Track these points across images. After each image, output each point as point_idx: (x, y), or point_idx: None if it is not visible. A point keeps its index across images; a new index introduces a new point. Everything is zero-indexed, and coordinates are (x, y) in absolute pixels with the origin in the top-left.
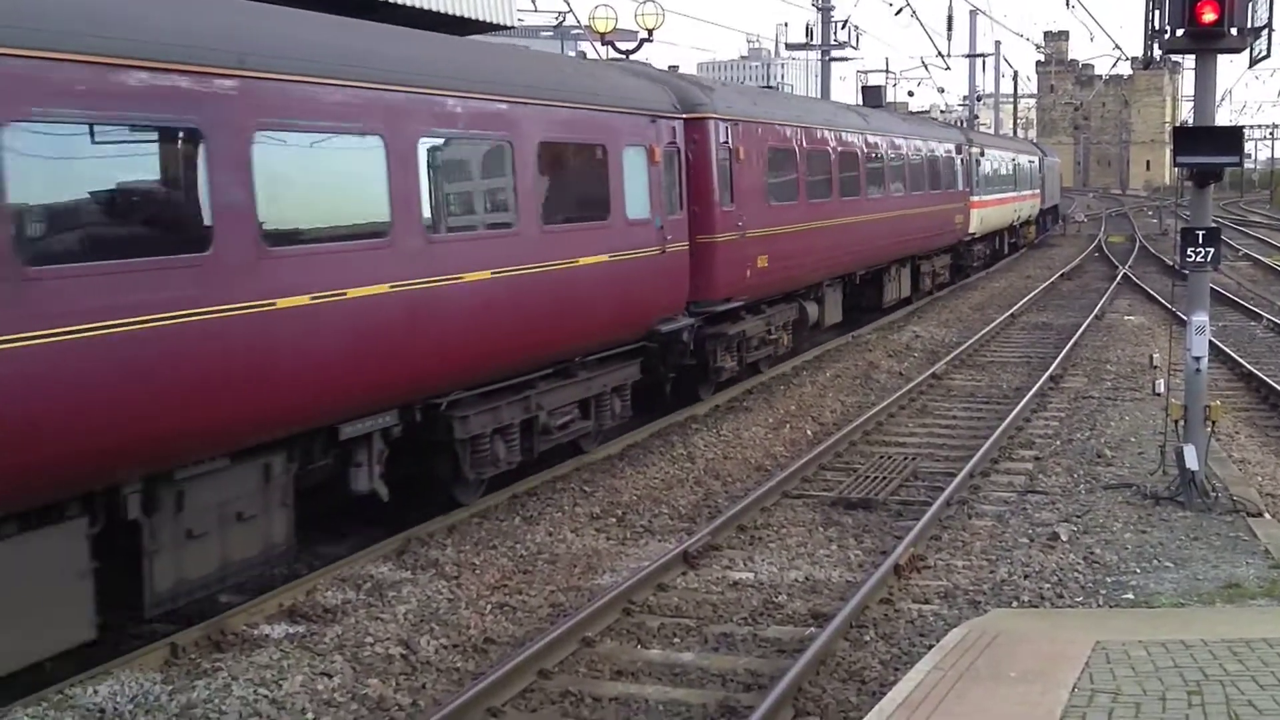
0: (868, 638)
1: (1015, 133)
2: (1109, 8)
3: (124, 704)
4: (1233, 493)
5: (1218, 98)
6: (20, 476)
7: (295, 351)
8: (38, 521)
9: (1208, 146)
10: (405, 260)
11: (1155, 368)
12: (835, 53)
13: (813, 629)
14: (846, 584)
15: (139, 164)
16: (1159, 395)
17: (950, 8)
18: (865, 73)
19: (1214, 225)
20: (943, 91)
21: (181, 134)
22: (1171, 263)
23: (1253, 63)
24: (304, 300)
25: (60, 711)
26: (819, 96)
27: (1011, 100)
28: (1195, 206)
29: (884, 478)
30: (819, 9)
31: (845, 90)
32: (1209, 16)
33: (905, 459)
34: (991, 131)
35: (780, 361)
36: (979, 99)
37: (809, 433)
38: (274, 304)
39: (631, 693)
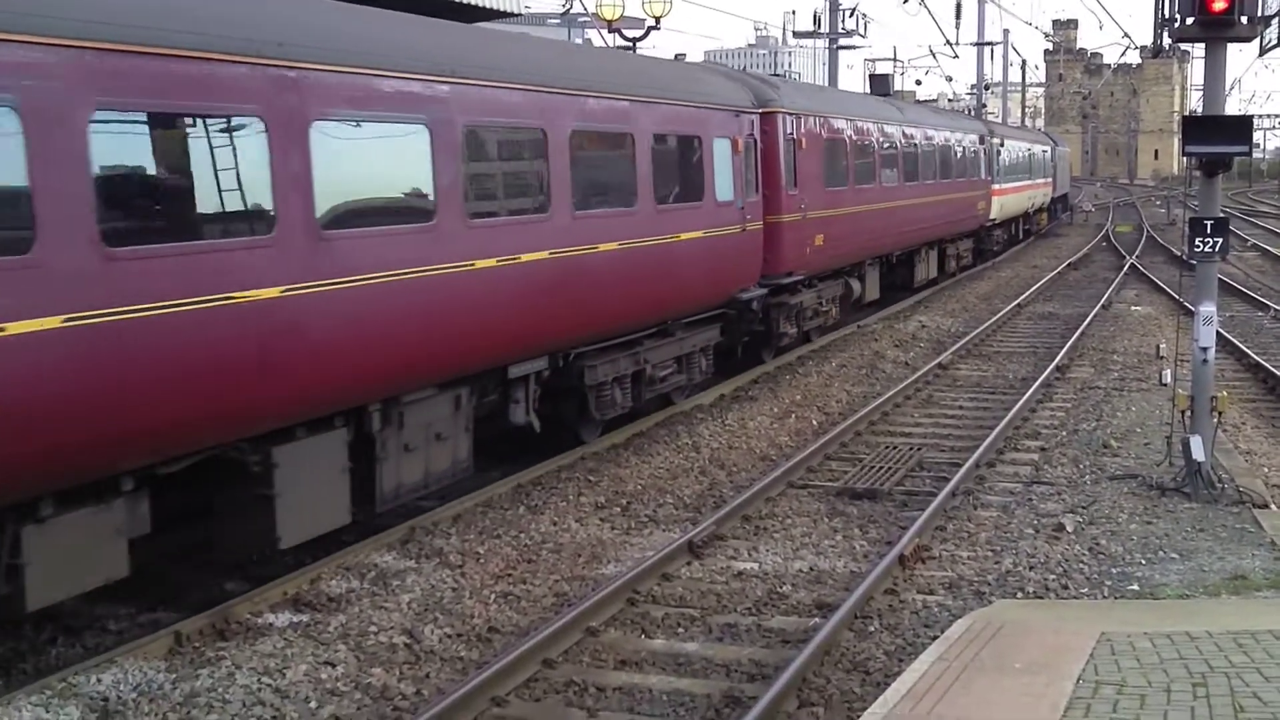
0: (872, 628)
1: (1023, 122)
2: None
3: (128, 692)
4: (1239, 484)
5: (1227, 87)
6: (316, 396)
7: (488, 302)
8: (319, 429)
9: (1217, 136)
10: (559, 232)
11: (1162, 358)
12: (843, 41)
13: (817, 619)
14: (851, 574)
15: (397, 153)
16: (1165, 386)
17: None
18: (873, 61)
19: (1222, 215)
20: (950, 80)
21: (416, 129)
22: (1179, 253)
23: (1262, 51)
24: (493, 263)
25: (64, 700)
26: (828, 85)
27: (1019, 89)
28: (1203, 196)
29: (889, 468)
30: None
31: (853, 78)
32: (1219, 5)
33: (911, 449)
34: (999, 120)
35: (829, 331)
36: (987, 88)
37: (814, 422)
38: (474, 264)
39: (635, 682)
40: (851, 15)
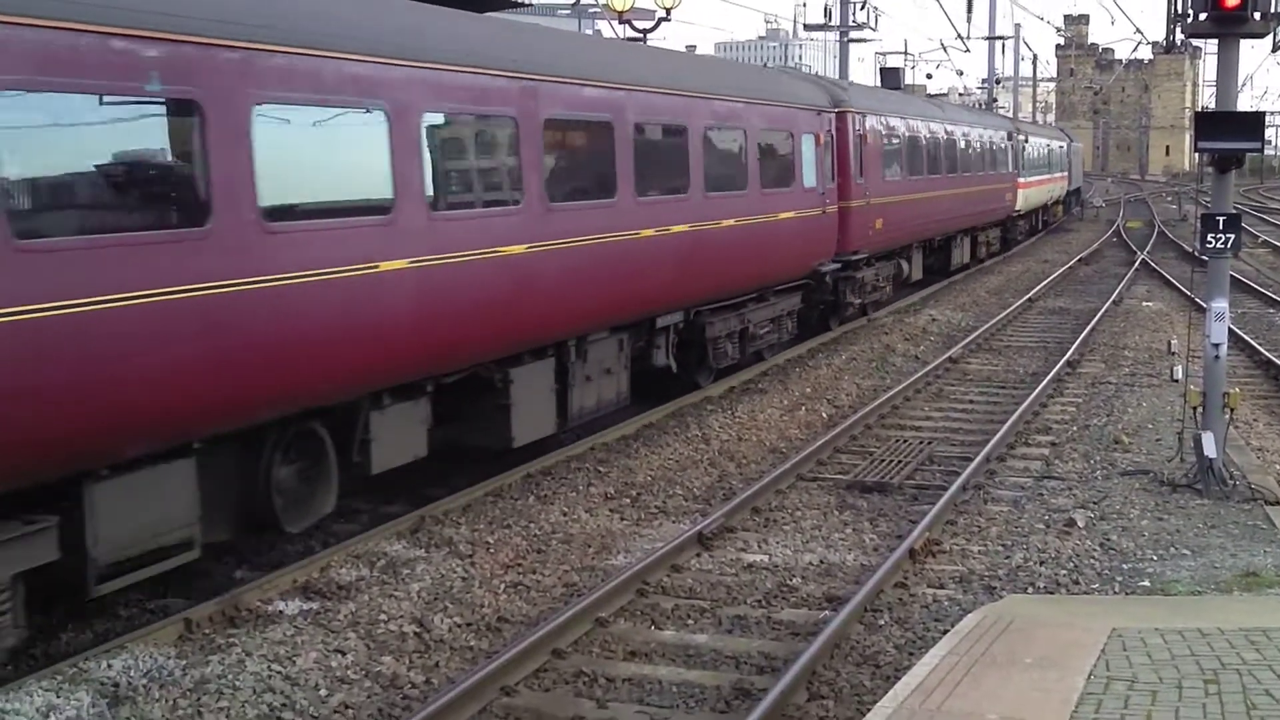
0: (882, 622)
1: (1034, 117)
2: None
3: (138, 678)
4: (1251, 481)
5: (1239, 83)
6: (541, 329)
7: (648, 262)
8: (539, 355)
9: (1229, 132)
10: (696, 209)
11: (1173, 354)
12: (854, 34)
13: (827, 612)
14: (861, 568)
15: (595, 147)
16: (1177, 382)
17: None
18: (884, 54)
19: (1234, 211)
20: (961, 74)
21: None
22: (1190, 249)
23: (1275, 48)
24: (652, 232)
25: (74, 685)
26: (839, 78)
27: (1031, 83)
28: (1216, 192)
29: (900, 461)
30: None
31: (863, 71)
32: (1232, 1)
33: (921, 443)
34: (1010, 115)
35: (883, 306)
36: (998, 82)
37: (824, 415)
38: (639, 233)
39: (645, 673)
40: (862, 8)
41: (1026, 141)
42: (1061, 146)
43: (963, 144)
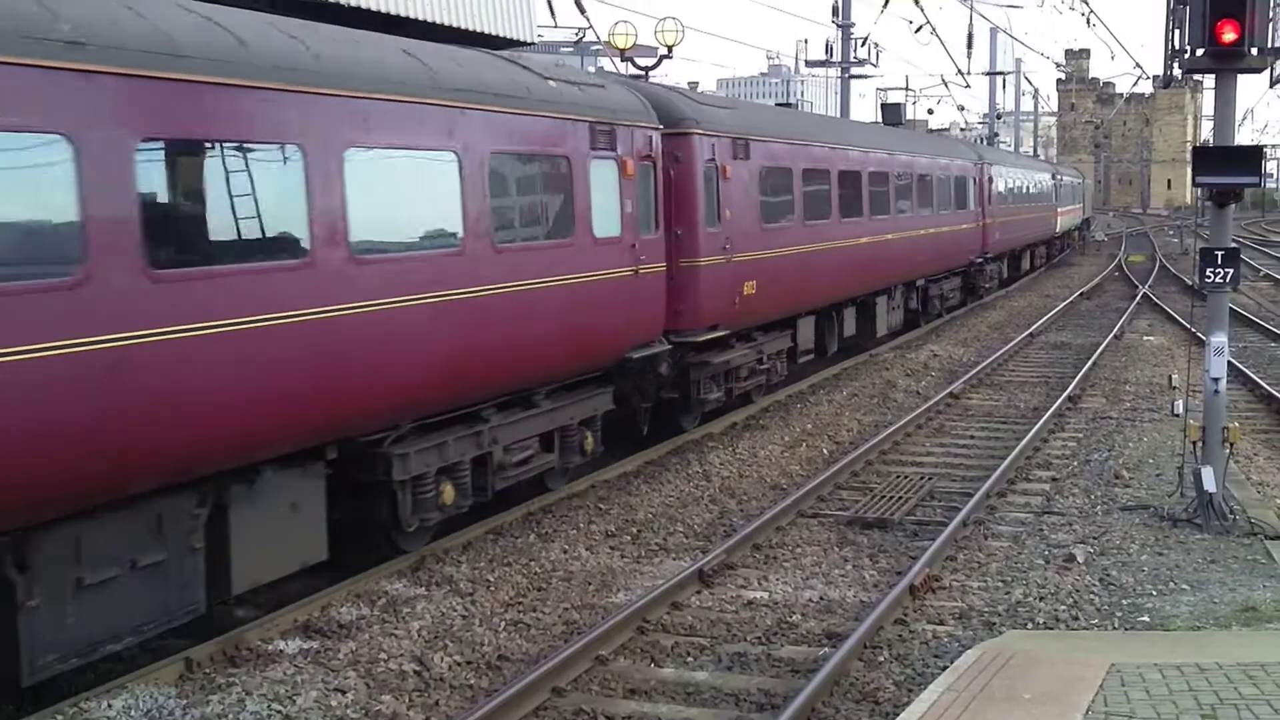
0: (882, 658)
1: (1035, 152)
2: (1130, 26)
3: (138, 717)
4: (1251, 515)
5: (1238, 117)
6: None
7: (794, 277)
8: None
9: (1227, 166)
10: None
11: (1174, 388)
12: (855, 70)
13: (827, 649)
14: (861, 604)
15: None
16: (1177, 416)
17: (971, 25)
18: (885, 90)
19: (1234, 245)
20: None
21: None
22: (1191, 283)
23: (1274, 83)
24: (783, 251)
25: None
26: (842, 115)
27: (1032, 118)
28: (1215, 226)
29: (900, 497)
30: (839, 26)
31: (865, 107)
32: (1229, 36)
33: (922, 479)
34: (1011, 149)
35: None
36: (999, 117)
37: (825, 451)
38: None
39: (645, 711)
40: (864, 44)
41: (1062, 179)
42: (1077, 183)
43: (1020, 187)
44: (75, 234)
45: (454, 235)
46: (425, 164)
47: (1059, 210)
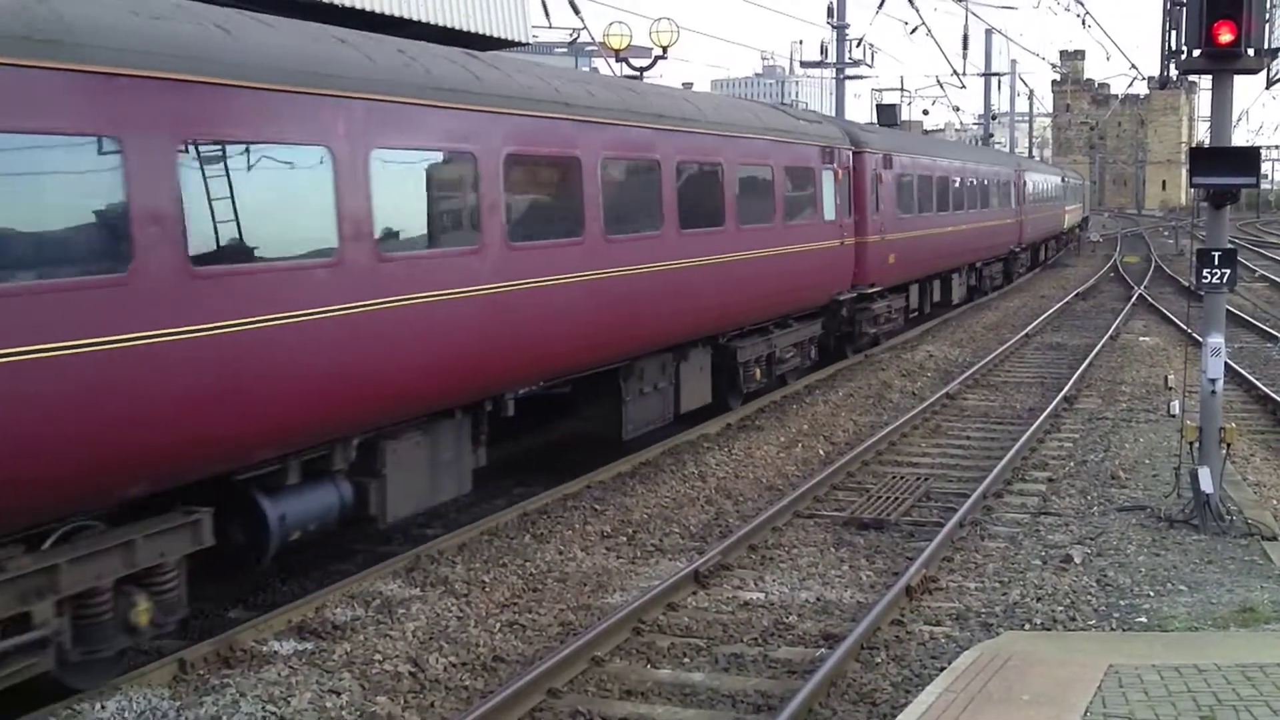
0: (879, 659)
1: (1030, 153)
2: (1125, 27)
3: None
4: (1247, 516)
5: (1235, 118)
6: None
7: (913, 254)
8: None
9: (1224, 167)
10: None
11: (1170, 389)
12: (850, 71)
13: (823, 650)
14: (858, 605)
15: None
16: (1174, 417)
17: (966, 26)
18: (880, 90)
19: (1230, 246)
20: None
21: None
22: (1187, 284)
23: (1270, 83)
24: (909, 235)
25: None
26: (837, 116)
27: (1027, 119)
28: (1211, 227)
29: (896, 498)
30: (834, 27)
31: (859, 108)
32: (1226, 37)
33: (918, 479)
34: (1007, 151)
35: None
36: (994, 118)
37: (821, 452)
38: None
39: (641, 713)
40: (858, 45)
41: (1068, 182)
42: (1080, 183)
43: (1040, 188)
44: None
45: (771, 216)
46: (750, 176)
47: (1066, 209)
